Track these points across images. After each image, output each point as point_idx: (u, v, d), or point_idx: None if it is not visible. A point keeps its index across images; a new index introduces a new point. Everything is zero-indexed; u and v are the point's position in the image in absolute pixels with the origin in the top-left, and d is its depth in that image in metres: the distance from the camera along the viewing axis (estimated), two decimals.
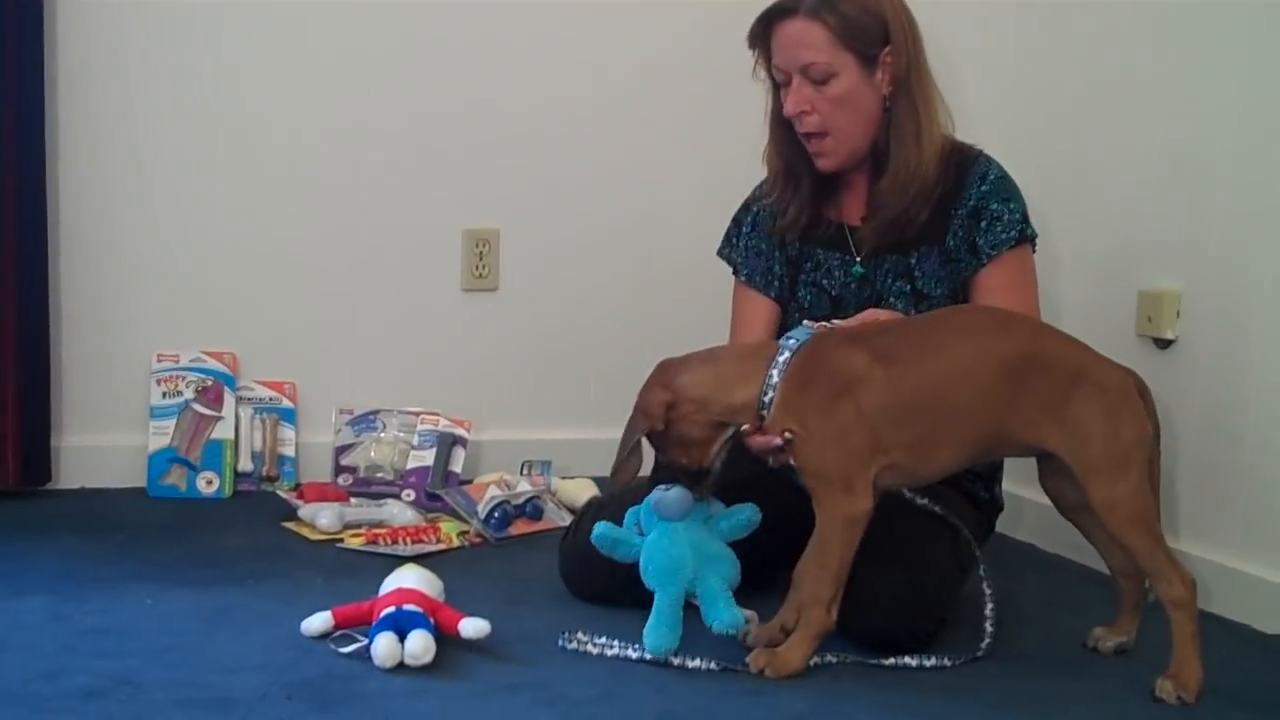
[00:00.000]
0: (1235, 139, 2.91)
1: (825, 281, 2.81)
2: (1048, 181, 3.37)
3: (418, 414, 3.64)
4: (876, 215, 2.72)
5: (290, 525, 3.23)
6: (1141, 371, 3.01)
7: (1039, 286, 2.79)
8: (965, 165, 2.72)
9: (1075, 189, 3.33)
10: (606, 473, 3.45)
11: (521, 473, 3.53)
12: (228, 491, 3.51)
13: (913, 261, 2.74)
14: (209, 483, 3.49)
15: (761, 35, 2.67)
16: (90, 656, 2.40)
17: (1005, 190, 2.72)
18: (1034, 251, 2.77)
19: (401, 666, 2.39)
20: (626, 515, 2.60)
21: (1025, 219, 2.72)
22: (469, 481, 3.54)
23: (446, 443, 3.59)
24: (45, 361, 3.40)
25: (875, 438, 2.37)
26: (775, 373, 2.41)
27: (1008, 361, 2.37)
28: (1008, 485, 2.98)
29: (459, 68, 3.66)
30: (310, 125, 3.64)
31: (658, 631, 2.45)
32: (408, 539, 3.10)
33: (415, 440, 3.61)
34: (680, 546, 2.51)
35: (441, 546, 3.11)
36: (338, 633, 2.49)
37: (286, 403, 3.61)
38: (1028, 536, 3.41)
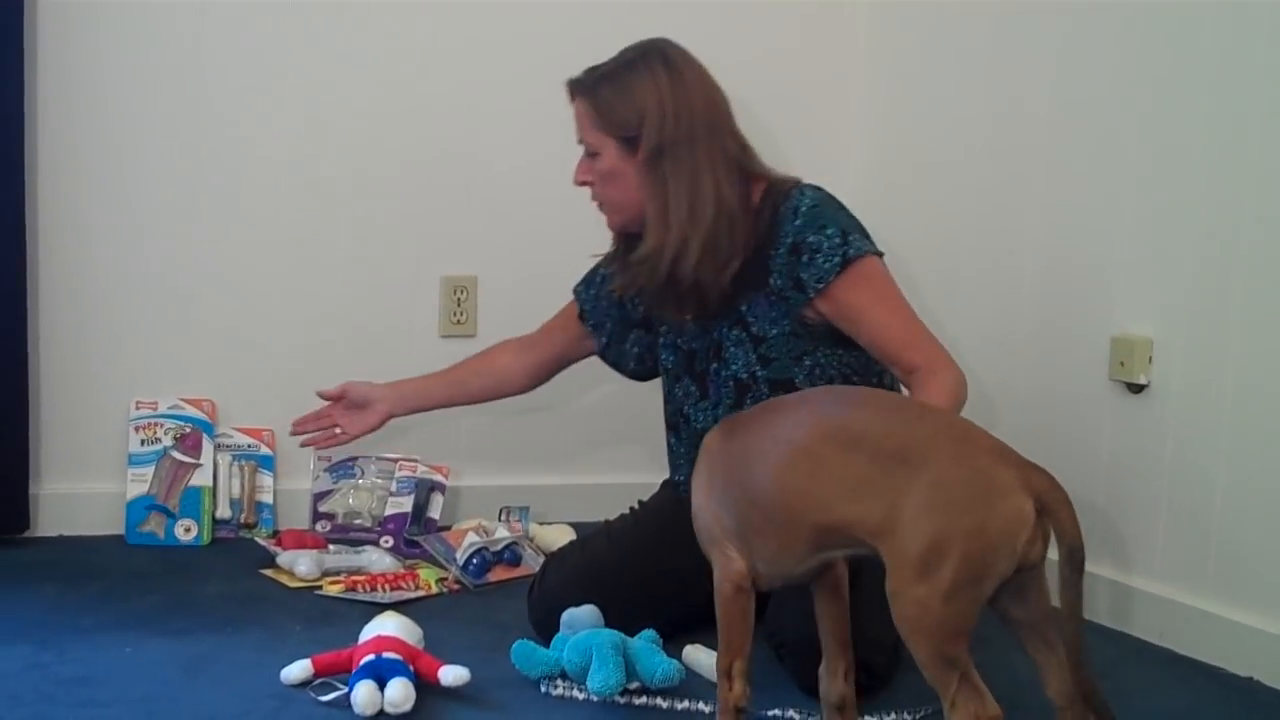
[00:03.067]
0: (1207, 184, 2.94)
1: (679, 340, 2.88)
2: (1017, 225, 3.43)
3: (396, 460, 3.64)
4: (637, 289, 2.83)
5: (269, 572, 3.23)
6: (1114, 417, 3.06)
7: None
8: (779, 205, 2.75)
9: (1045, 234, 3.35)
10: (585, 518, 3.53)
11: (500, 519, 3.53)
12: (206, 539, 3.50)
13: (743, 309, 2.78)
14: (187, 530, 3.49)
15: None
16: (70, 706, 2.41)
17: (819, 219, 2.72)
18: (880, 258, 2.76)
19: (382, 715, 2.40)
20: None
21: (846, 239, 2.70)
22: (447, 528, 3.53)
23: (425, 489, 3.60)
24: (23, 408, 3.39)
25: (720, 512, 2.27)
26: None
27: (809, 435, 2.17)
28: None
29: (437, 116, 3.68)
30: (288, 173, 3.65)
31: (602, 671, 2.48)
32: (386, 586, 3.10)
33: (393, 487, 3.61)
34: (602, 633, 2.58)
35: (420, 593, 3.11)
36: (317, 681, 2.50)
37: (265, 449, 3.61)
38: None
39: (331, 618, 2.93)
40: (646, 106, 2.69)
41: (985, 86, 3.55)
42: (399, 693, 2.40)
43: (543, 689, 2.55)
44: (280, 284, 3.66)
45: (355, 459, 3.65)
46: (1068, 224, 3.30)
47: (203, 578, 3.21)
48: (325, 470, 3.64)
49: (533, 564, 3.28)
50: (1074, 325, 3.26)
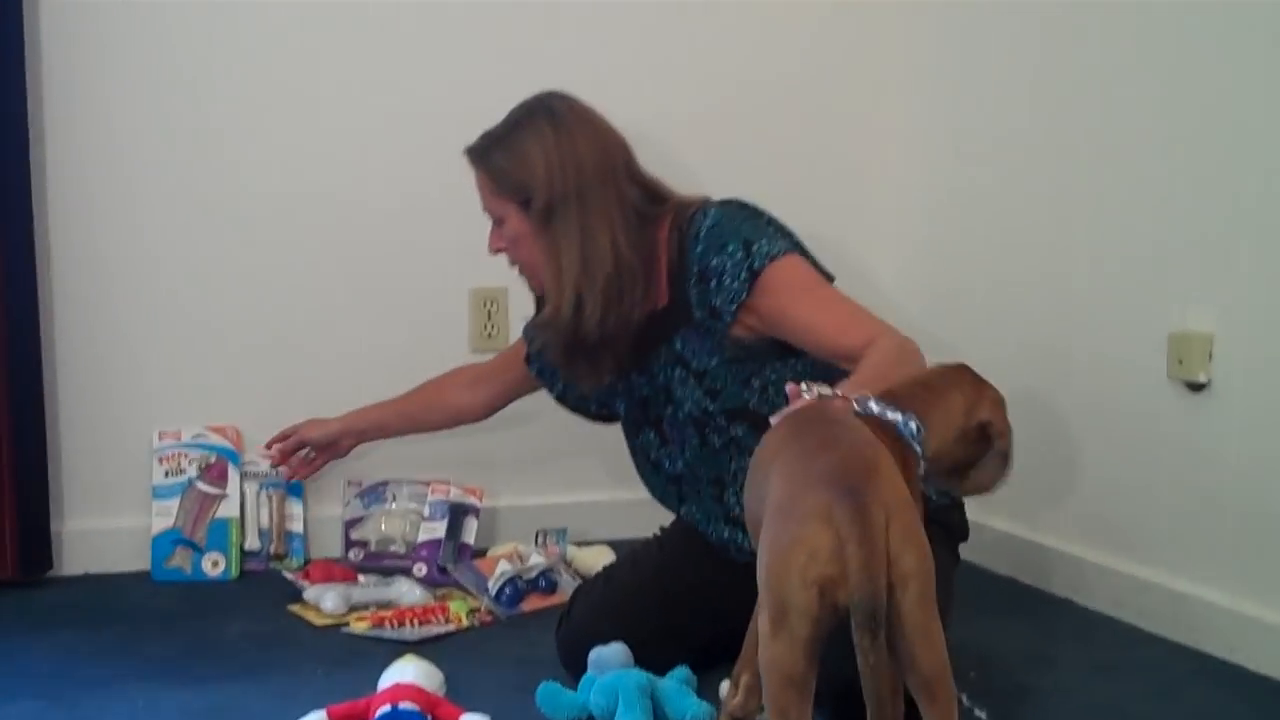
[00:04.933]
0: (1267, 173, 2.78)
1: (628, 388, 2.78)
2: (1067, 221, 3.28)
3: (428, 484, 3.54)
4: (550, 351, 2.75)
5: (296, 608, 3.13)
6: (1173, 417, 2.92)
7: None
8: (684, 234, 2.65)
9: (1097, 230, 3.20)
10: (627, 535, 3.39)
11: (536, 543, 3.42)
12: (234, 572, 3.41)
13: (678, 347, 2.68)
14: (215, 564, 3.39)
15: None
16: None
17: (719, 238, 2.60)
18: (796, 252, 2.61)
19: None
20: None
21: (750, 251, 2.57)
22: (482, 553, 3.43)
23: (458, 514, 3.49)
24: (42, 444, 3.30)
25: None
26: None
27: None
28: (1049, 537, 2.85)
29: (460, 128, 3.52)
30: (309, 189, 3.55)
31: (629, 716, 2.36)
32: (415, 620, 2.99)
33: (426, 511, 3.51)
34: (630, 675, 2.45)
35: (450, 628, 3.00)
36: None
37: None
38: (1066, 592, 3.27)
39: (356, 659, 2.81)
40: (534, 166, 2.63)
41: (1032, 86, 3.41)
42: None
43: None
44: (303, 304, 3.57)
45: (386, 483, 3.55)
46: (1119, 217, 3.14)
47: (227, 617, 3.11)
48: (356, 496, 3.54)
49: (569, 589, 3.15)
50: (1129, 322, 3.10)
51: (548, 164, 2.62)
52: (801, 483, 1.89)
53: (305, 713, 2.42)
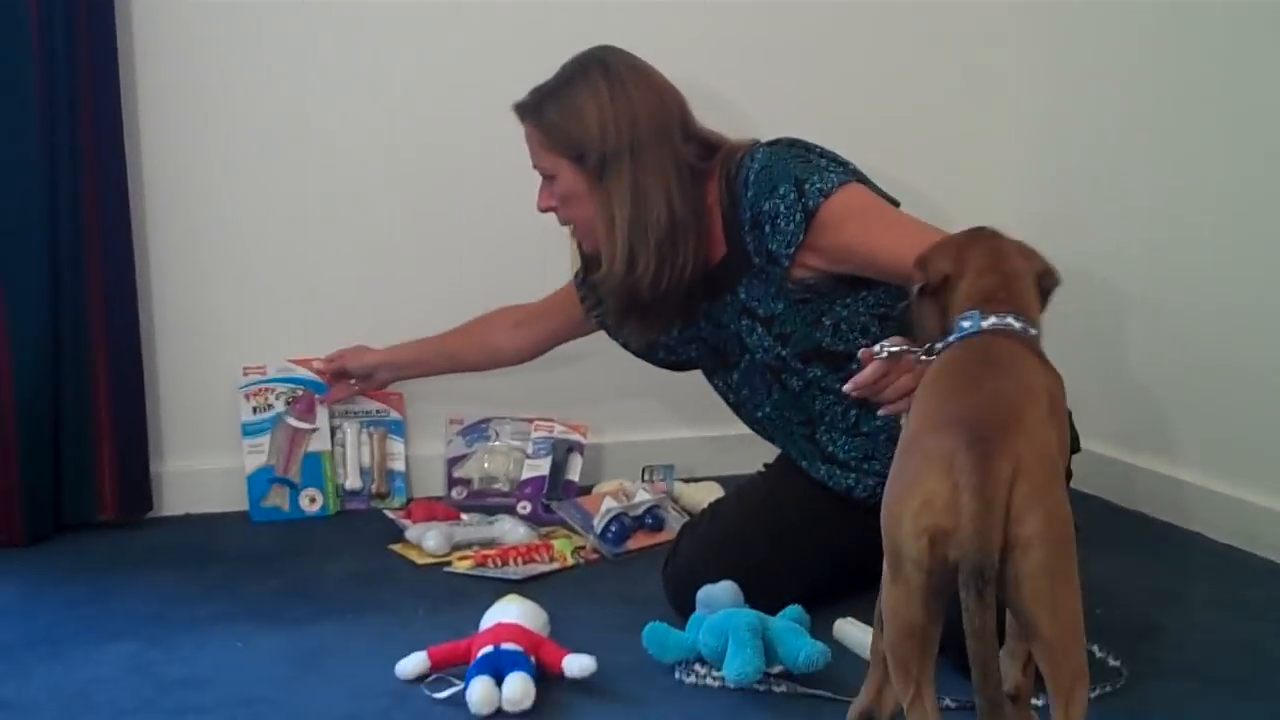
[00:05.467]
0: None
1: (701, 334, 2.70)
2: (1199, 139, 3.12)
3: (531, 421, 3.46)
4: (607, 311, 2.71)
5: (397, 548, 3.06)
6: None
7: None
8: (733, 181, 2.55)
9: (1228, 144, 3.03)
10: (734, 471, 3.28)
11: (643, 479, 3.32)
12: (333, 508, 3.35)
13: (743, 296, 2.58)
14: (312, 500, 3.33)
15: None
16: (170, 713, 2.24)
17: (769, 180, 2.49)
18: (855, 183, 2.50)
19: (500, 713, 2.19)
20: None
21: (803, 191, 2.46)
22: (588, 490, 3.34)
23: (562, 450, 3.40)
24: (140, 384, 3.25)
25: None
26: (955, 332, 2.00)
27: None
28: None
29: (537, 65, 3.44)
30: (399, 121, 3.46)
31: (740, 657, 2.25)
32: (519, 559, 2.91)
33: (530, 449, 3.42)
34: (740, 614, 2.34)
35: (555, 566, 2.92)
36: (433, 676, 2.31)
37: (394, 415, 3.44)
38: (1198, 526, 3.13)
39: (459, 598, 2.74)
40: (589, 120, 2.56)
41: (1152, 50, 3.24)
42: (517, 689, 2.19)
43: (677, 676, 2.33)
44: (392, 238, 3.48)
45: (489, 420, 3.48)
46: (1246, 131, 2.98)
47: (327, 557, 3.04)
48: (458, 434, 3.47)
49: (676, 527, 3.05)
50: (1269, 235, 2.95)
51: (601, 119, 2.55)
52: (932, 423, 1.77)
53: (406, 653, 2.36)
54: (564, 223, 2.70)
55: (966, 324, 1.96)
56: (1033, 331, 1.96)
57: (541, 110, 2.61)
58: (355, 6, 3.42)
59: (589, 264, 2.74)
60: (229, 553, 3.09)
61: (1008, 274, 2.00)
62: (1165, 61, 3.20)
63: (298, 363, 3.37)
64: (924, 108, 3.73)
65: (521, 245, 3.46)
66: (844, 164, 2.55)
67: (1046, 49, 3.63)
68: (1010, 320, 1.95)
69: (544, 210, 2.70)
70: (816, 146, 2.57)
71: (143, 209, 3.31)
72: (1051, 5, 3.58)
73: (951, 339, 1.97)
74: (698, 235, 2.56)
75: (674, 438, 3.60)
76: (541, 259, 3.31)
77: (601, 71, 2.58)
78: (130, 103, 3.26)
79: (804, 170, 2.49)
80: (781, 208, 2.48)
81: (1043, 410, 1.81)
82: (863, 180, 2.54)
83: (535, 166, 2.66)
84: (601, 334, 2.92)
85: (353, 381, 3.29)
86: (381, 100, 3.45)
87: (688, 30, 3.53)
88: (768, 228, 2.50)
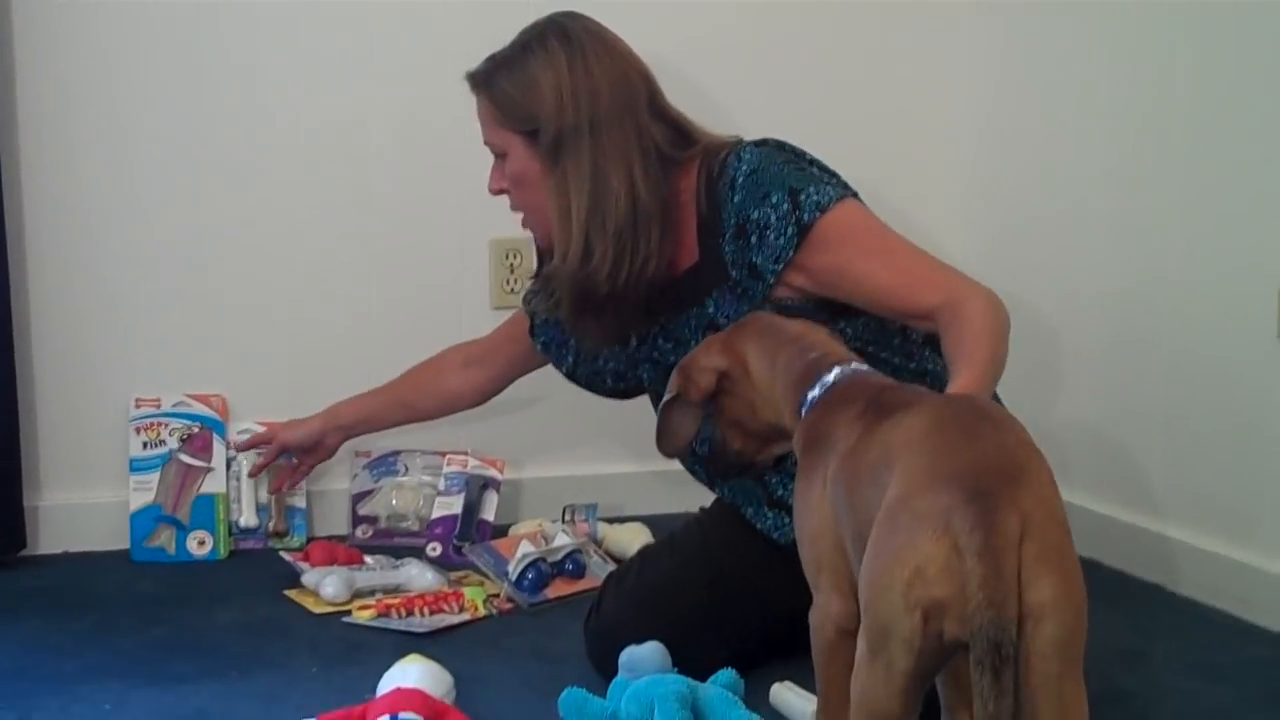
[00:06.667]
0: None
1: (654, 354, 2.48)
2: (1153, 157, 2.96)
3: (444, 454, 3.23)
4: (558, 314, 2.47)
5: (292, 594, 2.81)
6: None
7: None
8: (714, 182, 2.35)
9: (1199, 181, 2.86)
10: (665, 510, 3.12)
11: (563, 519, 3.10)
12: (223, 552, 3.09)
13: (710, 310, 2.37)
14: (201, 543, 3.08)
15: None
16: None
17: (759, 185, 2.29)
18: (852, 199, 2.32)
19: None
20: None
21: (798, 202, 2.26)
22: (504, 530, 3.12)
23: (476, 487, 3.18)
24: (13, 409, 2.99)
25: (842, 529, 1.74)
26: (816, 390, 1.86)
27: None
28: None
29: (474, 59, 3.22)
30: (313, 125, 3.22)
31: None
32: (425, 609, 2.67)
33: (442, 485, 3.20)
34: (667, 681, 2.11)
35: (465, 617, 2.68)
36: None
37: None
38: (1157, 577, 2.94)
39: (357, 653, 2.50)
40: (543, 93, 2.35)
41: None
42: None
43: None
44: (304, 254, 3.24)
45: (398, 453, 3.26)
46: (1216, 150, 2.81)
47: (216, 603, 2.79)
48: (364, 467, 3.24)
49: (599, 574, 2.83)
50: (1232, 277, 2.78)
51: (558, 91, 2.34)
52: (923, 480, 1.54)
53: (295, 719, 2.11)
54: (515, 208, 2.50)
55: (831, 377, 1.83)
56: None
57: (494, 80, 2.40)
58: (261, 20, 3.19)
59: (540, 261, 2.54)
60: (107, 598, 2.83)
61: (801, 335, 1.93)
62: (1131, 84, 3.04)
63: (196, 398, 3.14)
64: (855, 59, 3.55)
65: (439, 268, 3.29)
66: (837, 177, 2.36)
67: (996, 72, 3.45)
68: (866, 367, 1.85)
69: (495, 193, 2.49)
70: (805, 153, 2.38)
71: (20, 220, 3.06)
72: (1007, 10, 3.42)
73: (818, 395, 1.83)
74: (664, 229, 2.34)
75: (598, 473, 3.39)
76: (484, 269, 3.21)
77: (561, 39, 2.37)
78: (9, 107, 3.03)
79: (799, 179, 2.29)
80: (773, 218, 2.27)
81: (1048, 466, 1.59)
82: (857, 198, 2.35)
83: (486, 143, 2.46)
84: None
85: (294, 460, 2.99)
86: (282, 115, 3.22)
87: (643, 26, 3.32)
88: (754, 238, 2.28)
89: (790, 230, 2.26)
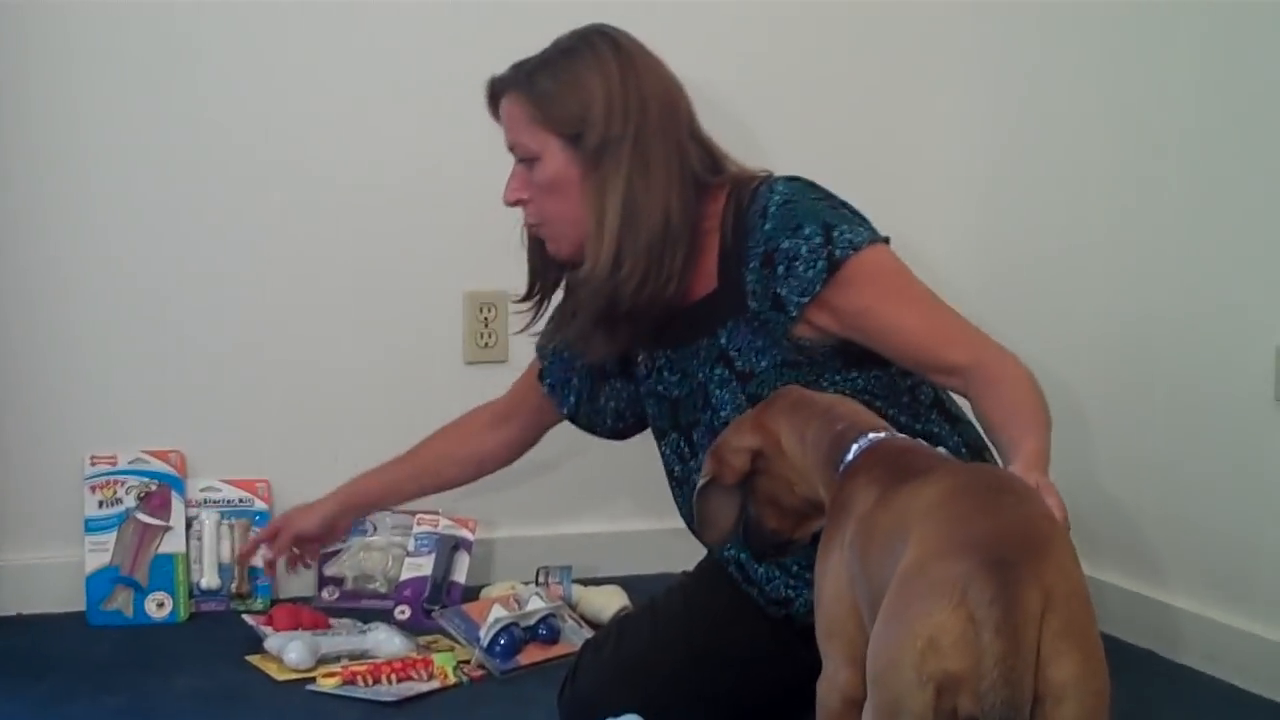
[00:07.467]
0: None
1: (659, 387, 2.40)
2: (1160, 225, 2.90)
3: (414, 514, 3.13)
4: (577, 316, 2.35)
5: (255, 660, 2.71)
6: None
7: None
8: (744, 209, 2.28)
9: (1192, 232, 2.81)
10: (642, 571, 3.03)
11: (537, 581, 3.00)
12: (183, 615, 2.99)
13: (723, 341, 2.29)
14: (160, 605, 2.98)
15: (496, 114, 2.39)
16: None
17: (792, 218, 2.21)
18: (884, 244, 2.25)
19: None
20: None
21: (831, 237, 2.19)
22: (475, 593, 3.03)
23: (447, 548, 3.08)
24: None
25: (859, 599, 1.67)
26: (848, 458, 1.79)
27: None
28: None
29: (455, 114, 3.10)
30: (281, 173, 3.14)
31: None
32: (393, 676, 2.58)
33: (411, 545, 3.11)
34: None
35: (434, 685, 2.59)
36: None
37: (260, 504, 3.10)
38: (1148, 643, 2.88)
39: None
40: (593, 96, 2.25)
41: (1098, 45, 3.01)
42: None
43: None
44: (270, 306, 3.15)
45: None
46: (1212, 204, 2.76)
47: (174, 669, 2.68)
48: None
49: (574, 639, 2.74)
50: (1229, 335, 2.73)
51: (608, 96, 2.26)
52: (939, 546, 1.45)
53: None
54: (533, 220, 2.37)
55: (858, 446, 1.78)
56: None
57: (534, 80, 2.30)
58: (227, 72, 3.12)
59: (544, 270, 2.42)
60: (61, 662, 2.72)
61: (830, 407, 1.87)
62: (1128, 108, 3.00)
63: (154, 454, 3.04)
64: (856, 94, 3.50)
65: (409, 322, 3.23)
66: (867, 220, 2.29)
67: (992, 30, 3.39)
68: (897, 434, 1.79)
69: (512, 203, 2.37)
70: (837, 195, 2.31)
71: None
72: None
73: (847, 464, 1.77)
74: (688, 253, 2.27)
75: (573, 532, 3.30)
76: (457, 322, 3.18)
77: (610, 46, 2.29)
78: None
79: (833, 216, 2.22)
80: (804, 250, 2.18)
81: (1071, 541, 1.51)
82: (888, 244, 2.28)
83: (513, 147, 2.34)
84: None
85: (296, 550, 2.79)
86: (246, 168, 3.13)
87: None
88: (782, 268, 2.20)
89: (821, 264, 2.18)
